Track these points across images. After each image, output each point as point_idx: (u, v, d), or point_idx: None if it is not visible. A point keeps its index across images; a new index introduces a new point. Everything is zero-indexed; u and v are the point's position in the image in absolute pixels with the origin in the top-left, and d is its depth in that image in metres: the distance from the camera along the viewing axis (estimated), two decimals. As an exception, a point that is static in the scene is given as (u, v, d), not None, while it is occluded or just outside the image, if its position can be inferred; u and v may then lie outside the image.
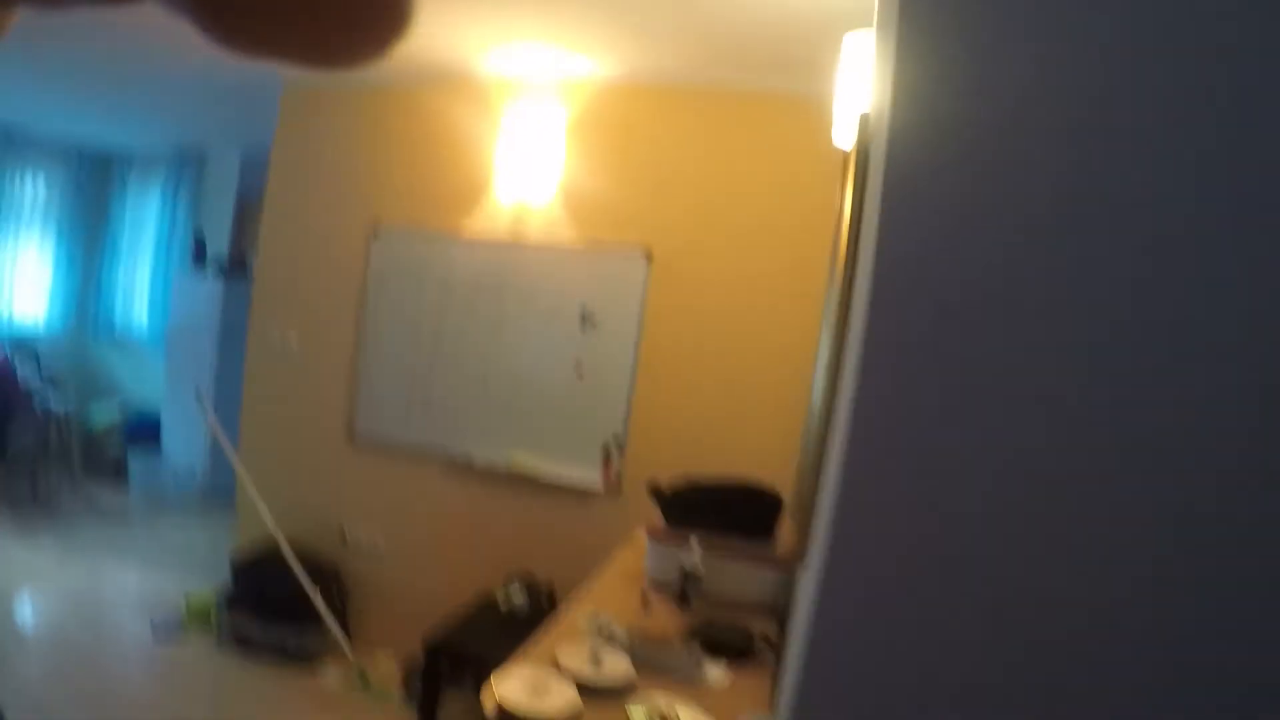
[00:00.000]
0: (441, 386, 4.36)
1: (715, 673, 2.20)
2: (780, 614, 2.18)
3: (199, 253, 7.14)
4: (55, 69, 4.93)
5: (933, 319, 0.88)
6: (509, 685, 1.99)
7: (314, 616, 4.25)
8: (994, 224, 0.86)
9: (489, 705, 1.96)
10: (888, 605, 0.92)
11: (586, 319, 4.08)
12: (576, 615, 2.49)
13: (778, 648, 2.08)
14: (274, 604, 4.30)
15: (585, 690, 2.02)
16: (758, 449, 3.58)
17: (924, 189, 0.88)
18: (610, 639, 2.25)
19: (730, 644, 2.26)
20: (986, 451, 0.87)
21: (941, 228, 0.88)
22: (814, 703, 0.96)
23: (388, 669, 4.28)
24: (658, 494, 2.52)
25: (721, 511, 2.12)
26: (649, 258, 3.96)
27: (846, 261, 0.89)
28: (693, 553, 2.02)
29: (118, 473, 6.89)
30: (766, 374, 3.75)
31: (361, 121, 4.49)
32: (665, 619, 2.50)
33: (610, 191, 4.02)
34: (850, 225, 0.88)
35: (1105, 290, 0.83)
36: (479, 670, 4.05)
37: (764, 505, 2.48)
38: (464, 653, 3.73)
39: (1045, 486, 0.86)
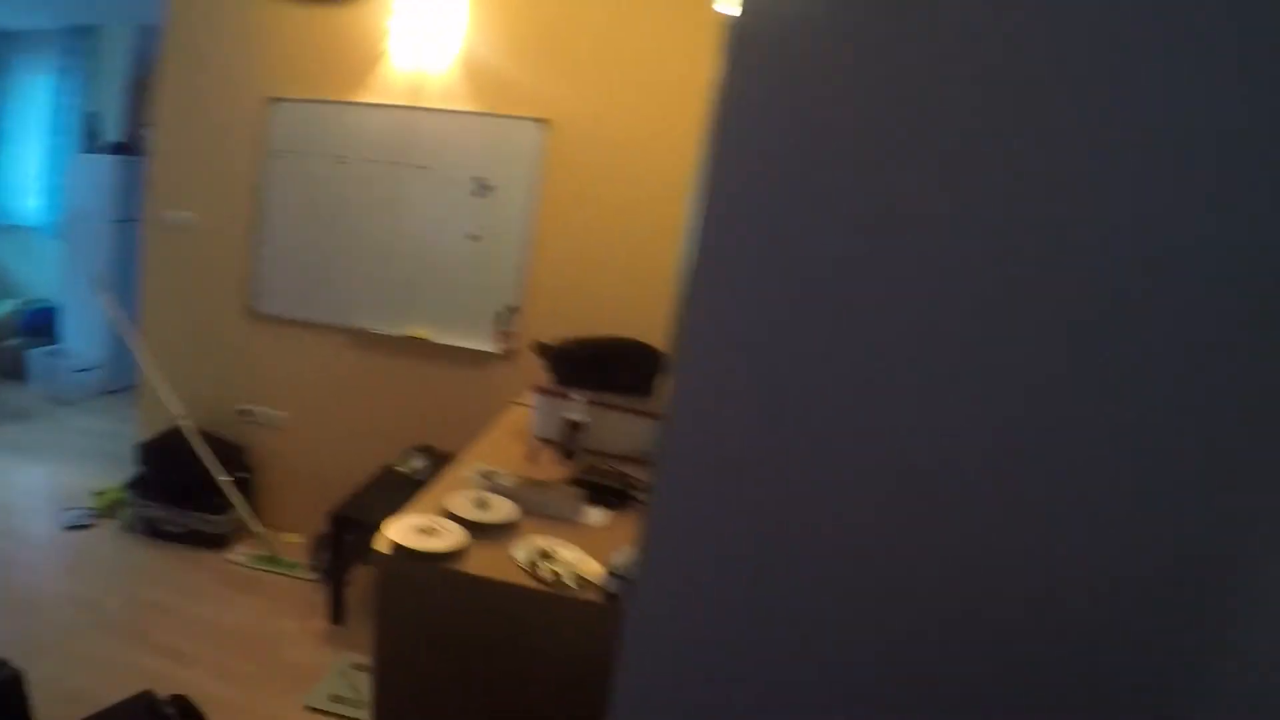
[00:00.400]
0: (341, 259, 4.34)
1: (595, 515, 2.30)
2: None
3: (92, 134, 6.91)
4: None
5: (754, 209, 0.96)
6: (399, 528, 2.06)
7: (222, 499, 4.28)
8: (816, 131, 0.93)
9: (381, 547, 2.04)
10: (723, 447, 1.01)
11: (483, 187, 4.09)
12: (465, 468, 2.57)
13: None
14: (181, 488, 4.31)
15: (473, 530, 2.10)
16: (646, 311, 3.64)
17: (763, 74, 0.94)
18: (496, 487, 2.33)
19: (609, 489, 2.37)
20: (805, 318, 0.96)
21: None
22: (659, 537, 1.06)
23: (294, 545, 4.36)
24: (544, 350, 2.59)
25: (605, 368, 2.19)
26: (547, 125, 3.96)
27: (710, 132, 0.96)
28: (576, 406, 2.08)
29: (15, 369, 6.71)
30: (657, 241, 3.83)
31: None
32: (551, 469, 2.61)
33: (509, 62, 3.99)
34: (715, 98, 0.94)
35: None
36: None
37: (645, 361, 2.56)
38: (367, 521, 3.80)
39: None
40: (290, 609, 3.91)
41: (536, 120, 3.98)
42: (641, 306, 3.81)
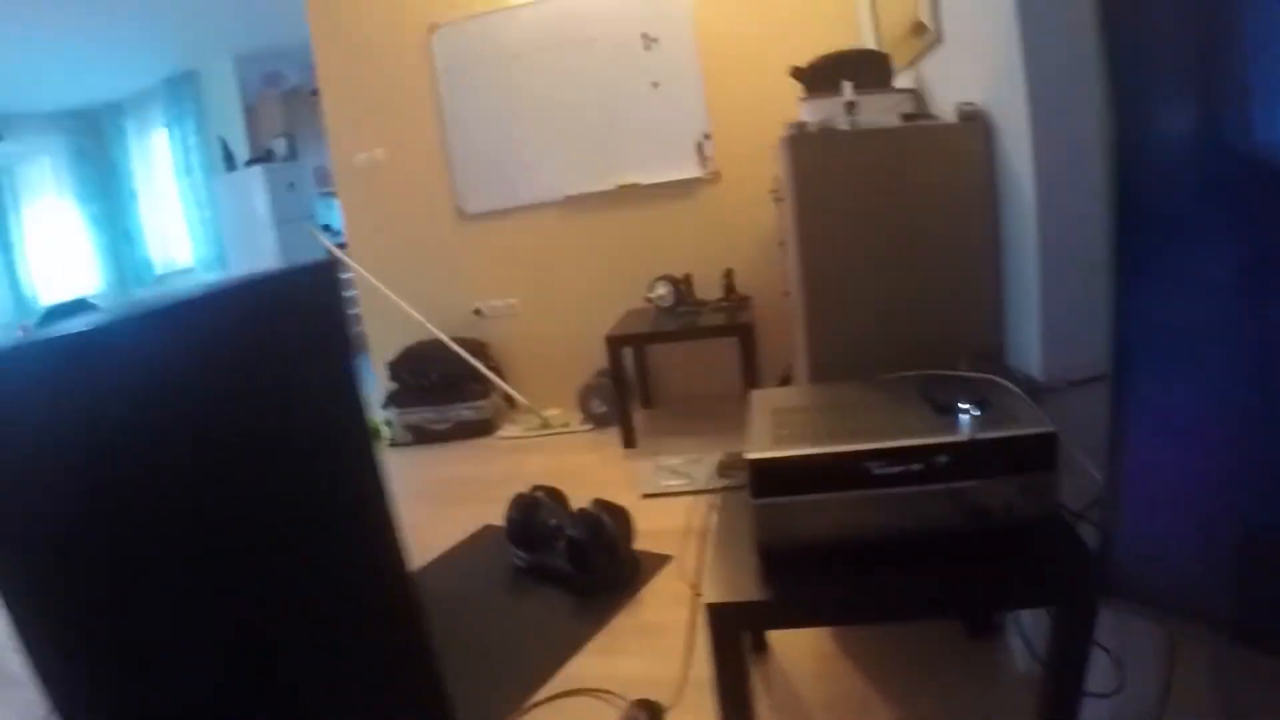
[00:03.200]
0: (533, 145, 4.66)
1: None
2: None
3: (227, 157, 7.34)
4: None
5: None
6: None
7: (479, 388, 4.61)
8: None
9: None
10: None
11: (649, 40, 4.40)
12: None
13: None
14: (437, 390, 4.66)
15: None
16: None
17: None
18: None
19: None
20: None
21: None
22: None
23: (557, 409, 4.63)
24: (798, 71, 2.85)
25: (847, 72, 2.43)
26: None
27: None
28: (845, 92, 2.30)
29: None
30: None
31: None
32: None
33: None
34: None
35: None
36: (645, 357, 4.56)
37: (878, 62, 2.83)
38: (637, 342, 4.24)
39: None
40: (583, 452, 4.19)
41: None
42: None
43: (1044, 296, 1.79)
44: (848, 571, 1.45)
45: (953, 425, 1.45)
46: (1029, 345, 1.89)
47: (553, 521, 2.92)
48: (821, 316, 2.13)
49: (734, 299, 4.26)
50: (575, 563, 2.79)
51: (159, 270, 8.37)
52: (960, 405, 1.49)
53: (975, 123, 2.02)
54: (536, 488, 3.13)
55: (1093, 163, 1.59)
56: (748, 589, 1.46)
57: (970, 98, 2.09)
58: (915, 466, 1.41)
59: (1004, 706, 1.90)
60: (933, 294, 2.08)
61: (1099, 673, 1.46)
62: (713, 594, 1.46)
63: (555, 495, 3.15)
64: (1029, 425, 1.41)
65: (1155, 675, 1.43)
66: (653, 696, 2.07)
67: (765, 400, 1.79)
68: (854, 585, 1.44)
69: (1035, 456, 1.39)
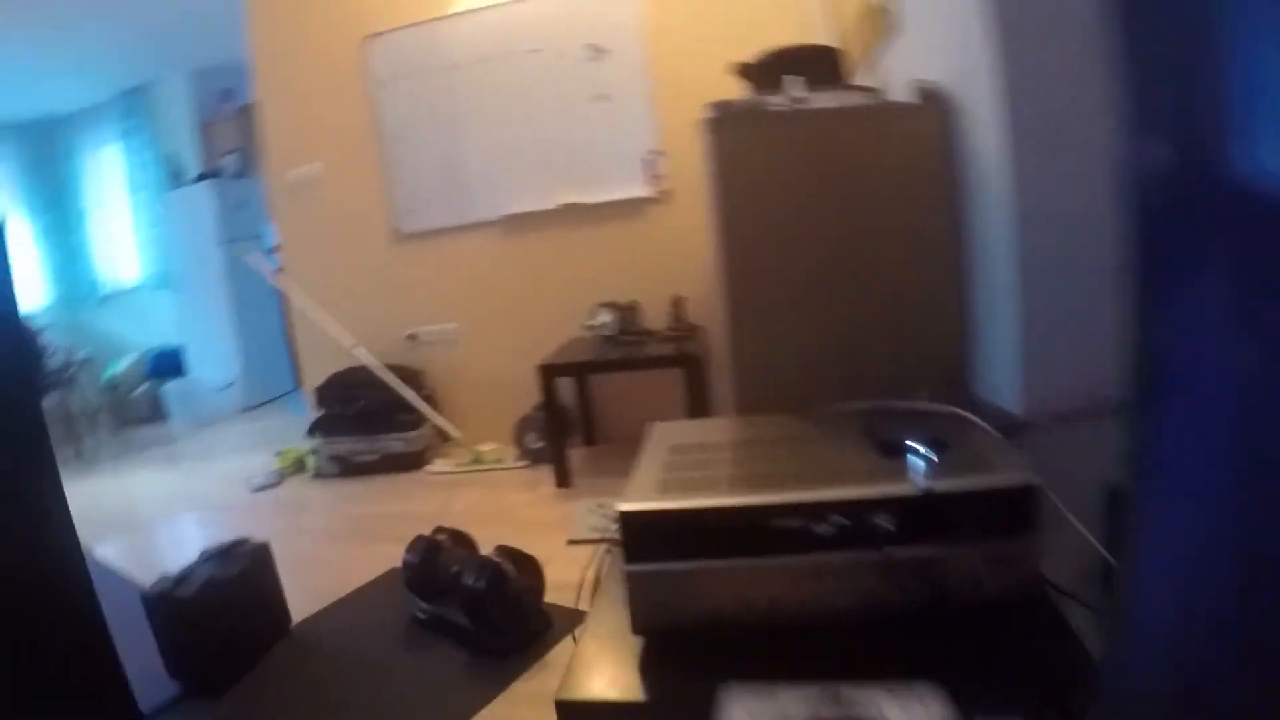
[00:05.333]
0: (474, 161, 4.36)
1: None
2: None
3: (174, 174, 7.04)
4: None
5: None
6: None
7: (410, 419, 4.25)
8: None
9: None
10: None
11: (597, 51, 4.12)
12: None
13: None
14: (367, 418, 4.30)
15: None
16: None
17: None
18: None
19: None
20: None
21: None
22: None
23: (493, 444, 4.28)
24: (744, 68, 2.58)
25: (795, 69, 2.14)
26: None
27: None
28: (791, 88, 2.00)
29: (153, 411, 6.75)
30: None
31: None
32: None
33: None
34: None
35: None
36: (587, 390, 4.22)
37: (826, 57, 2.54)
38: (573, 372, 3.94)
39: None
40: (515, 490, 3.84)
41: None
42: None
43: (1024, 309, 1.46)
44: (755, 663, 1.02)
45: (900, 472, 1.08)
46: (1003, 370, 1.55)
47: (454, 568, 2.55)
48: (749, 335, 1.78)
49: (683, 328, 3.94)
50: (473, 617, 2.43)
51: (105, 290, 8.01)
52: (911, 445, 1.13)
53: (934, 102, 1.69)
54: (439, 529, 2.78)
55: (1077, 146, 1.28)
56: (616, 683, 1.07)
57: (931, 78, 1.76)
58: (842, 525, 1.03)
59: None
60: (884, 307, 1.74)
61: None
62: (570, 689, 1.07)
63: (460, 539, 2.80)
64: (1003, 473, 1.05)
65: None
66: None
67: (666, 435, 1.43)
68: (760, 682, 1.00)
69: (1010, 515, 1.02)
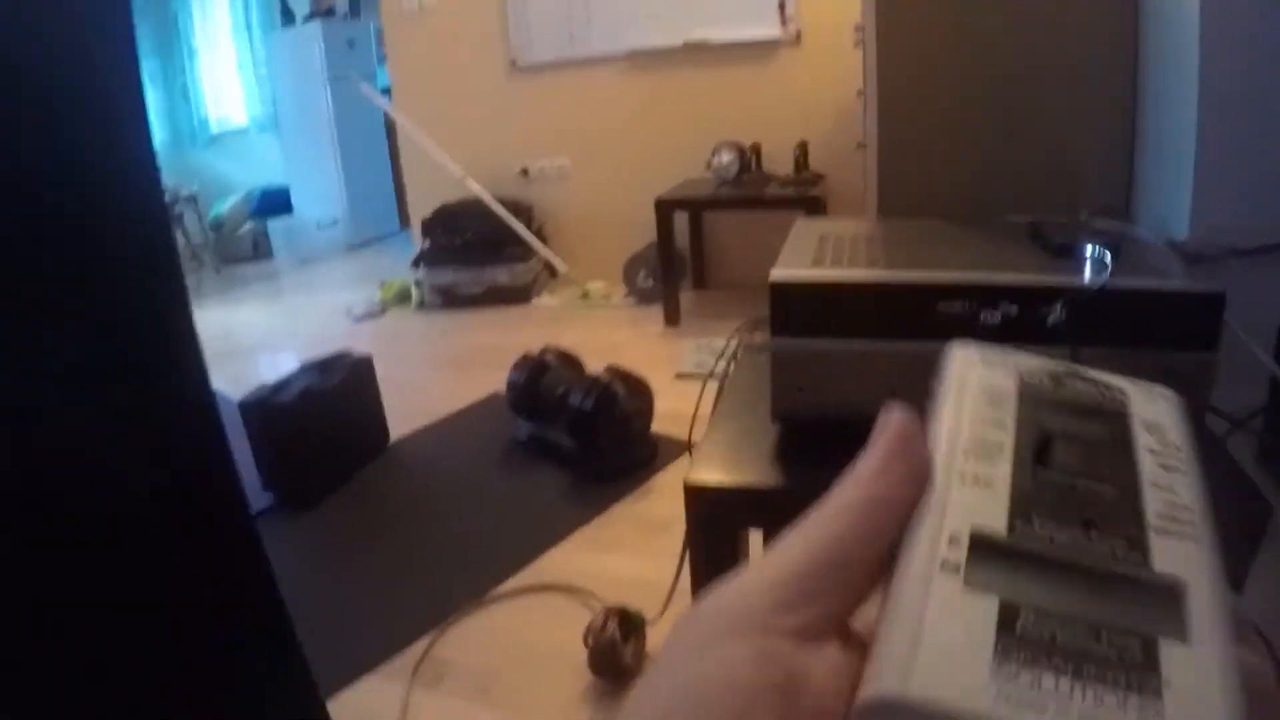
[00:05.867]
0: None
1: None
2: None
3: (285, 12, 6.90)
4: None
5: None
6: None
7: (514, 254, 4.17)
8: None
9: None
10: None
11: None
12: None
13: None
14: (472, 249, 4.24)
15: None
16: None
17: None
18: None
19: None
20: None
21: None
22: None
23: (601, 281, 4.21)
24: None
25: None
26: None
27: None
28: None
29: (259, 249, 6.76)
30: None
31: None
32: None
33: None
34: None
35: None
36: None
37: None
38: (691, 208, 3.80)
39: None
40: (620, 327, 3.78)
41: None
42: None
43: (1200, 135, 1.23)
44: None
45: (1072, 270, 0.93)
46: (1170, 199, 1.32)
47: (560, 390, 2.44)
48: (898, 146, 1.55)
49: (806, 175, 3.73)
50: (578, 438, 2.33)
51: (214, 130, 7.98)
52: (1085, 248, 0.97)
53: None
54: (546, 350, 2.64)
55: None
56: (749, 470, 0.96)
57: None
58: (1010, 313, 0.89)
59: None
60: (1043, 129, 1.50)
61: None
62: (701, 473, 0.96)
63: (568, 361, 2.68)
64: (1185, 280, 0.90)
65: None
66: (636, 604, 1.66)
67: (813, 227, 1.24)
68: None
69: (1191, 325, 0.88)
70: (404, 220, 4.87)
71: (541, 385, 2.55)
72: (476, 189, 4.10)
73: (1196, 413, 0.89)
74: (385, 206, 6.55)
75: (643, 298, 3.94)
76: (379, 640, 1.76)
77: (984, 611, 0.22)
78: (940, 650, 0.21)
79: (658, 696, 0.23)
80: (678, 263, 3.80)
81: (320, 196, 6.63)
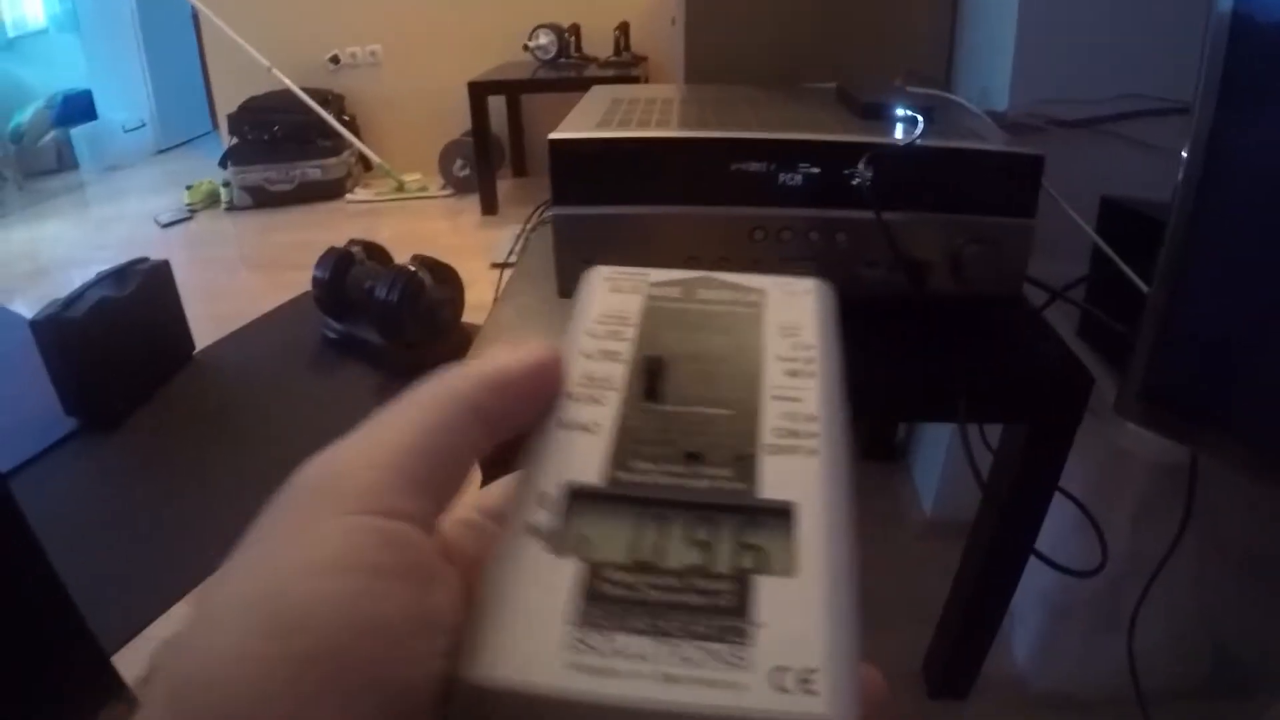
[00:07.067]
0: None
1: None
2: None
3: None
4: None
5: None
6: None
7: (325, 148, 3.98)
8: None
9: None
10: None
11: None
12: None
13: None
14: (281, 145, 4.01)
15: None
16: None
17: None
18: None
19: None
20: None
21: None
22: None
23: (417, 173, 4.05)
24: None
25: None
26: None
27: None
28: None
29: (63, 159, 6.27)
30: None
31: None
32: None
33: None
34: None
35: None
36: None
37: None
38: (507, 90, 3.74)
39: None
40: (436, 218, 3.66)
41: None
42: None
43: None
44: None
45: (882, 130, 0.91)
46: (990, 68, 1.35)
47: (367, 284, 2.36)
48: (706, 16, 1.53)
49: (627, 56, 3.67)
50: (386, 332, 2.26)
51: (10, 33, 7.36)
52: (895, 110, 0.95)
53: None
54: (352, 242, 2.56)
55: None
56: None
57: None
58: (811, 174, 0.85)
59: (903, 556, 1.50)
60: None
61: (1051, 536, 0.97)
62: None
63: (374, 252, 2.62)
64: (1000, 143, 0.89)
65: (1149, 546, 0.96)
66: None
67: (607, 92, 1.19)
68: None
69: (1007, 190, 0.85)
70: (215, 120, 4.61)
71: (348, 280, 2.46)
72: (284, 80, 3.87)
73: (1012, 281, 0.88)
74: (196, 106, 6.14)
75: (460, 188, 3.82)
76: (202, 569, 1.69)
77: (564, 577, 0.20)
78: (511, 625, 0.19)
79: (248, 584, 0.18)
80: (495, 150, 3.69)
81: (126, 99, 6.18)
